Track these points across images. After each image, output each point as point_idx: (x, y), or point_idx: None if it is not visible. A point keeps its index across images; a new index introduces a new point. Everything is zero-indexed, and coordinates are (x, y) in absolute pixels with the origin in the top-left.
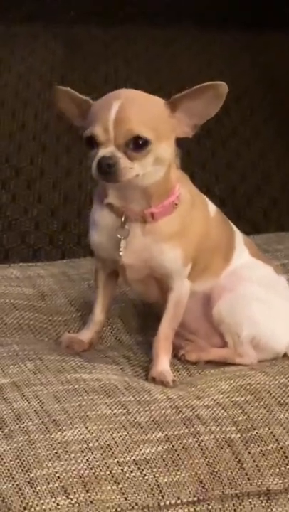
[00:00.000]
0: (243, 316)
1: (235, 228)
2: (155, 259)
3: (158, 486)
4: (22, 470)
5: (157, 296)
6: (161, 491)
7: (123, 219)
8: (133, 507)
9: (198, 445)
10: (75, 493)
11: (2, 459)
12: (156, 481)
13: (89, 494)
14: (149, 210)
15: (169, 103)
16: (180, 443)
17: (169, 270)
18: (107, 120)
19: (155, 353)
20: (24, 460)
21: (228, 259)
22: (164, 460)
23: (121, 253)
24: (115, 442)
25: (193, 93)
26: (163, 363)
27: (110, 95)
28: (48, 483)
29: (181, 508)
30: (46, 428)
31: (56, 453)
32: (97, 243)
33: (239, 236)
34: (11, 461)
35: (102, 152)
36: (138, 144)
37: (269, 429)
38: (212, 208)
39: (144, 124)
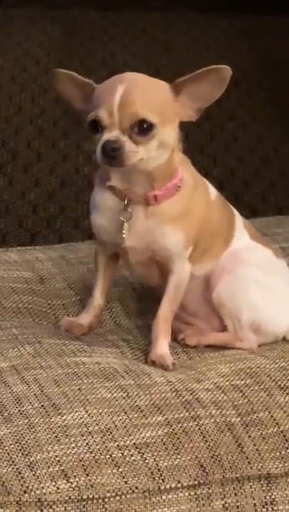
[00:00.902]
0: (242, 299)
1: (235, 211)
2: (157, 242)
3: (158, 469)
4: (22, 454)
5: (158, 279)
6: (161, 475)
7: (126, 201)
8: (133, 490)
9: (199, 429)
10: (75, 476)
11: (2, 442)
12: (157, 464)
13: (89, 478)
14: (152, 192)
15: (173, 86)
16: (180, 426)
17: (170, 252)
18: (112, 104)
19: (154, 336)
20: (24, 444)
21: (228, 242)
22: (164, 444)
23: (124, 235)
24: (115, 426)
25: (197, 76)
26: (162, 346)
27: (115, 78)
28: (48, 467)
29: (181, 492)
30: (46, 412)
31: (56, 437)
32: (99, 226)
33: (239, 219)
34: (10, 444)
35: (107, 136)
36: (143, 128)
37: (269, 412)
38: (213, 191)
39: (149, 108)
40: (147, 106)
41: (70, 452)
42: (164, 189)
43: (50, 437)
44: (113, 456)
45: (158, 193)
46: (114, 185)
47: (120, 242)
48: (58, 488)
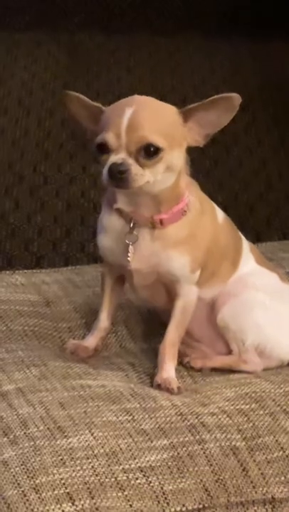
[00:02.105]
0: (247, 322)
1: (241, 235)
2: (163, 265)
3: (163, 493)
4: (27, 476)
5: (164, 303)
6: (166, 498)
7: (132, 224)
8: None
9: (204, 453)
10: (80, 499)
11: (8, 465)
12: (162, 488)
13: (94, 501)
14: (158, 216)
15: (182, 112)
16: (185, 450)
17: (176, 276)
18: (120, 126)
19: (161, 360)
20: (29, 466)
21: (235, 265)
22: (169, 467)
23: (129, 259)
24: (120, 449)
25: (207, 104)
26: (168, 370)
27: (123, 101)
28: (54, 489)
29: None
30: (52, 434)
31: (62, 459)
32: (105, 247)
33: (245, 242)
34: (16, 467)
35: (114, 158)
36: (150, 151)
37: (274, 437)
38: (220, 214)
39: (156, 132)
40: (155, 129)
41: (76, 475)
42: (170, 213)
43: (55, 460)
44: (118, 479)
45: (164, 216)
46: (121, 207)
47: (126, 265)
48: (63, 511)
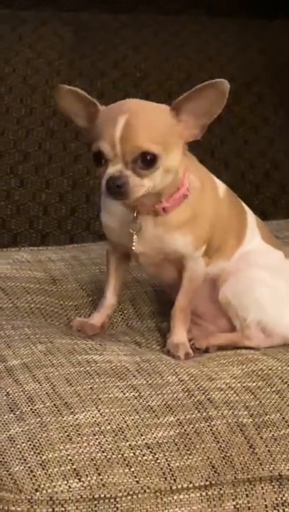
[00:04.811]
0: (248, 299)
1: (247, 208)
2: (168, 247)
3: (170, 469)
4: (34, 452)
5: (172, 277)
6: (173, 475)
7: (135, 214)
8: (145, 490)
9: (211, 429)
10: (87, 475)
11: (14, 441)
12: (168, 464)
13: (101, 477)
14: (160, 205)
15: (173, 108)
16: (192, 427)
17: (182, 254)
18: (113, 136)
19: (172, 325)
20: (36, 442)
21: (240, 240)
22: (176, 444)
23: (134, 247)
24: (127, 425)
25: (194, 94)
26: (179, 334)
27: (116, 107)
28: (60, 465)
29: (193, 492)
30: (58, 411)
31: (68, 436)
32: (109, 227)
33: (252, 216)
34: (22, 443)
35: (111, 170)
36: (146, 160)
37: (281, 414)
38: (222, 187)
39: (151, 140)
40: (150, 137)
41: (82, 451)
42: (171, 200)
43: (62, 436)
44: (125, 455)
45: (166, 204)
46: None
47: (130, 248)
48: (69, 487)
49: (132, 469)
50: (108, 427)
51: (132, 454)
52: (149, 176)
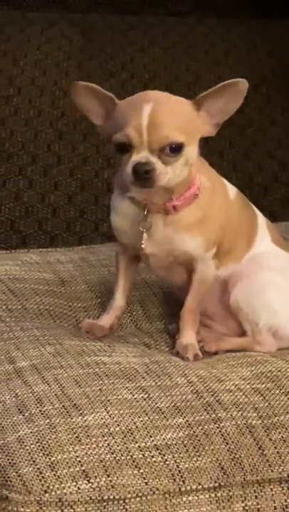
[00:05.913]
0: (259, 304)
1: (257, 211)
2: (177, 248)
3: (179, 471)
4: (43, 454)
5: (181, 280)
6: (182, 477)
7: (145, 212)
8: (154, 492)
9: (220, 431)
10: (96, 477)
11: (23, 442)
12: (178, 466)
13: (110, 479)
14: (171, 203)
15: (194, 103)
16: (201, 429)
17: (192, 256)
18: (140, 124)
19: (181, 326)
20: (45, 444)
21: (250, 242)
22: (185, 445)
23: (143, 246)
24: (136, 427)
25: (216, 92)
26: (187, 336)
27: (139, 97)
28: (69, 467)
29: (202, 494)
30: (67, 412)
31: (77, 437)
32: (119, 229)
33: (262, 219)
34: (31, 444)
35: (137, 157)
36: (173, 149)
37: None
38: (232, 190)
39: (177, 129)
40: (176, 126)
41: (91, 453)
42: (182, 199)
43: (71, 437)
44: (134, 457)
45: (177, 203)
46: (134, 196)
47: (140, 248)
48: (78, 489)
49: (141, 471)
50: (117, 429)
51: (140, 456)
52: (173, 164)
